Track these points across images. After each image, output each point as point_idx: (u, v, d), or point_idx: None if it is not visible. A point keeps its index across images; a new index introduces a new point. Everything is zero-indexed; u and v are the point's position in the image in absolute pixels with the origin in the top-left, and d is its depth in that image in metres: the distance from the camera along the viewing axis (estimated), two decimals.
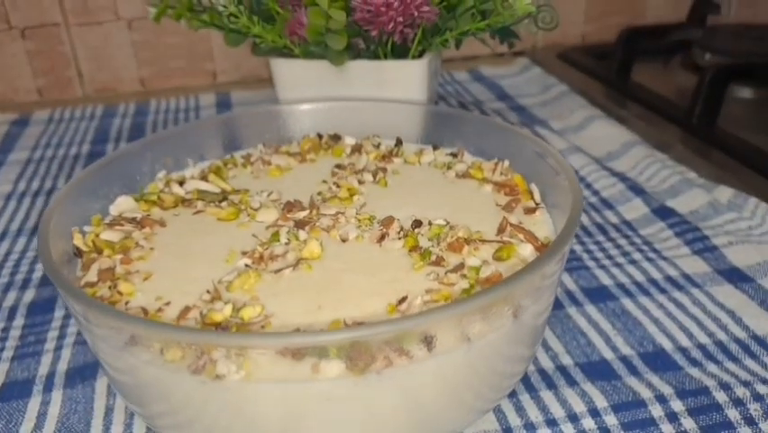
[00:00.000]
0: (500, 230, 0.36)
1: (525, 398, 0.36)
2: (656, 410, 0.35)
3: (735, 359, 0.39)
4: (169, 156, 0.43)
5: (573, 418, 0.35)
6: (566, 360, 0.39)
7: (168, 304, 0.31)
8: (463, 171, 0.42)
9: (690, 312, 0.43)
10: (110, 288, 0.33)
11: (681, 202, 0.54)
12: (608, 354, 0.40)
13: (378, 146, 0.46)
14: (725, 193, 0.54)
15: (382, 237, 0.36)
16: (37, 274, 0.48)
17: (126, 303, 0.32)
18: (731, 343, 0.40)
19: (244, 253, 0.35)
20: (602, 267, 0.47)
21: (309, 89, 0.53)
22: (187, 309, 0.31)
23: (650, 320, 0.42)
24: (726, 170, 0.58)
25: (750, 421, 0.34)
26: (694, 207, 0.53)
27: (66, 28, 0.79)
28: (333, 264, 0.34)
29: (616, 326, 0.42)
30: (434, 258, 0.34)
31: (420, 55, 0.53)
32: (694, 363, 0.39)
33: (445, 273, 0.32)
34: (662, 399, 0.36)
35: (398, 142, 0.46)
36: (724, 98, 0.64)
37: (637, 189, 0.55)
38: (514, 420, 0.35)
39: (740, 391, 0.36)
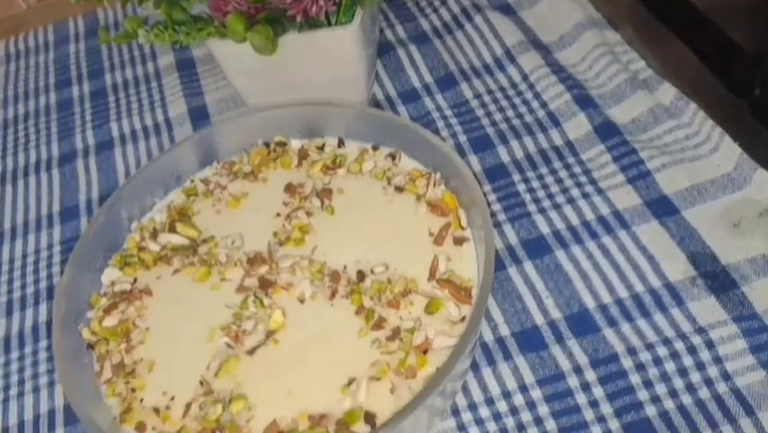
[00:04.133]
0: (431, 274, 0.42)
1: (469, 377, 0.46)
2: (573, 381, 0.44)
3: (646, 314, 0.46)
4: (136, 204, 0.48)
5: (506, 394, 0.44)
6: (504, 330, 0.47)
7: (172, 399, 0.40)
8: (401, 185, 0.46)
9: (615, 260, 0.49)
10: (125, 383, 0.41)
11: (624, 109, 0.56)
12: (540, 320, 0.47)
13: (322, 148, 0.49)
14: (667, 94, 0.56)
15: (333, 294, 0.42)
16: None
17: (141, 400, 0.40)
18: (646, 295, 0.47)
19: (223, 329, 0.42)
20: (542, 211, 0.52)
21: (251, 64, 0.53)
22: (188, 407, 0.39)
23: (579, 276, 0.49)
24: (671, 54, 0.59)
25: (648, 385, 0.43)
26: (636, 113, 0.56)
27: None
28: (296, 336, 0.41)
29: (548, 285, 0.49)
30: (376, 318, 0.41)
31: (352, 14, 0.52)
32: (611, 322, 0.46)
33: (386, 340, 0.40)
34: (578, 369, 0.45)
35: (341, 143, 0.49)
36: None
37: (583, 100, 0.57)
38: (460, 401, 0.45)
39: (643, 357, 0.44)
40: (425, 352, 0.39)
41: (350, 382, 0.39)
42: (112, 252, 0.47)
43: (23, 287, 0.56)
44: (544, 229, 0.52)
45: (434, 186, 0.45)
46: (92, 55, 0.74)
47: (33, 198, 0.62)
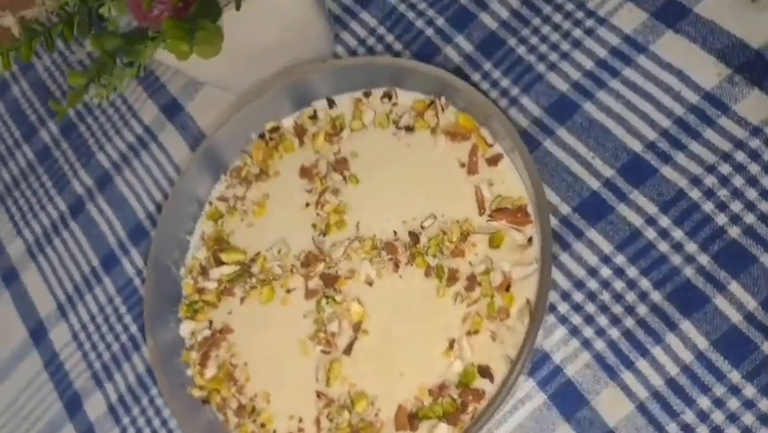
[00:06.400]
0: (480, 207, 0.41)
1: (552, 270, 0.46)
2: (650, 233, 0.44)
3: (695, 135, 0.45)
4: (174, 248, 0.47)
5: (592, 272, 0.45)
6: (565, 209, 0.46)
7: (301, 421, 0.42)
8: (410, 123, 0.44)
9: (644, 91, 0.46)
10: (253, 422, 0.43)
11: None
12: (595, 184, 0.46)
13: (315, 116, 0.46)
14: None
15: (396, 265, 0.42)
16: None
17: (275, 432, 0.43)
18: (688, 114, 0.45)
19: (312, 339, 0.43)
20: (551, 67, 0.49)
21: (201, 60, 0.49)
22: (317, 422, 0.41)
23: (615, 122, 0.47)
24: None
25: (722, 207, 0.43)
26: None
27: None
28: (380, 319, 0.42)
29: (589, 144, 0.47)
30: (447, 273, 0.40)
31: None
32: (665, 158, 0.45)
33: (466, 291, 0.40)
34: (651, 220, 0.44)
35: (330, 103, 0.46)
36: None
37: None
38: (552, 296, 0.45)
39: (709, 181, 0.43)
40: (508, 288, 0.39)
41: (451, 345, 0.39)
42: (175, 303, 0.48)
43: (109, 347, 0.58)
44: (562, 86, 0.49)
45: (443, 111, 0.43)
46: (39, 90, 0.70)
47: (69, 260, 0.62)
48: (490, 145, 0.41)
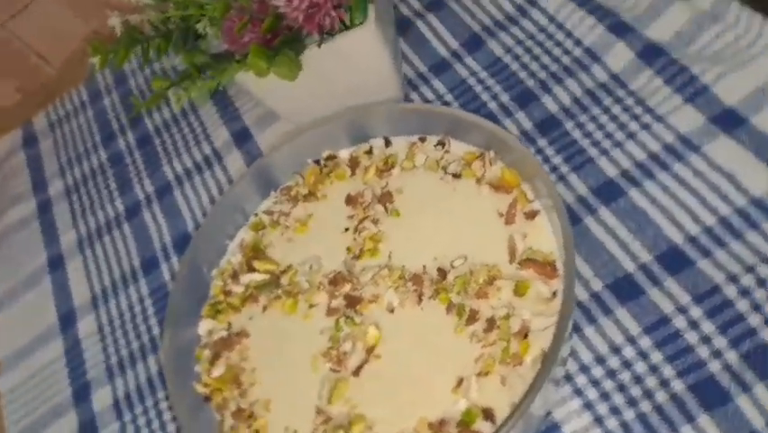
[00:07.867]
0: (511, 256, 0.42)
1: (574, 340, 0.45)
2: (679, 322, 0.43)
3: (738, 236, 0.45)
4: (211, 250, 0.49)
5: (615, 350, 0.44)
6: (596, 285, 0.47)
7: None
8: (458, 171, 0.45)
9: (692, 187, 0.47)
10: (248, 427, 0.43)
11: (662, 25, 0.53)
12: (630, 266, 0.46)
13: (370, 151, 0.49)
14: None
15: (420, 298, 0.42)
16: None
17: None
18: (733, 216, 0.45)
19: (324, 356, 0.43)
20: (604, 153, 0.51)
21: (279, 86, 0.53)
22: None
23: (659, 212, 0.47)
24: None
25: (756, 308, 0.42)
26: (677, 27, 0.53)
27: None
28: (394, 346, 0.42)
29: (630, 228, 0.47)
30: (468, 312, 0.41)
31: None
32: (705, 253, 0.45)
33: (483, 332, 0.40)
34: (682, 309, 0.44)
35: (387, 142, 0.49)
36: None
37: (618, 28, 0.55)
38: (571, 366, 0.45)
39: (746, 280, 0.43)
40: (526, 336, 0.39)
41: (459, 383, 0.39)
42: (200, 303, 0.49)
43: (128, 344, 0.59)
44: (611, 172, 0.50)
45: (491, 165, 0.44)
46: (127, 104, 0.75)
47: (113, 257, 0.65)
48: (530, 201, 0.43)
